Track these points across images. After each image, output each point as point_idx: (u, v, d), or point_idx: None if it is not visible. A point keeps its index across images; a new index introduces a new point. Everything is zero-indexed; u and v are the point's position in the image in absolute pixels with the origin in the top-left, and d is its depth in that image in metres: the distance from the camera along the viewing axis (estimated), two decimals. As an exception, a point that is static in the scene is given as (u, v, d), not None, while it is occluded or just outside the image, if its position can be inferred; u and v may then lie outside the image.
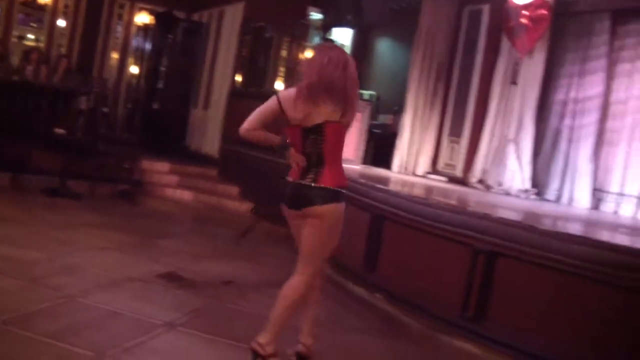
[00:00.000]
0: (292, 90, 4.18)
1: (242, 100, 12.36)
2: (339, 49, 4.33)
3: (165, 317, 4.96)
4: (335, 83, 4.05)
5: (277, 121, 4.24)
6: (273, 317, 4.21)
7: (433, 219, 5.84)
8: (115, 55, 14.83)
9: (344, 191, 4.19)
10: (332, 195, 4.12)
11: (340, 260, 6.94)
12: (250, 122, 4.31)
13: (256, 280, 6.70)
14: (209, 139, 12.97)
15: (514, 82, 9.92)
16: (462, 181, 10.28)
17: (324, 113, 4.06)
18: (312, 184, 4.12)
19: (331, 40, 12.71)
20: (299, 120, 4.13)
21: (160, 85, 14.03)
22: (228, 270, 6.89)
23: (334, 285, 6.79)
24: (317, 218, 4.12)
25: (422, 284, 5.73)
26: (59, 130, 10.21)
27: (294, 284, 4.26)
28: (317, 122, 4.08)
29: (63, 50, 13.95)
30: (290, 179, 4.27)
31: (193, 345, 4.57)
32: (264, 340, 4.17)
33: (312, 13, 13.43)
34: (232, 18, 12.98)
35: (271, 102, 4.24)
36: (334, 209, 4.13)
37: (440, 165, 10.83)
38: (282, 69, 14.04)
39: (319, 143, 4.12)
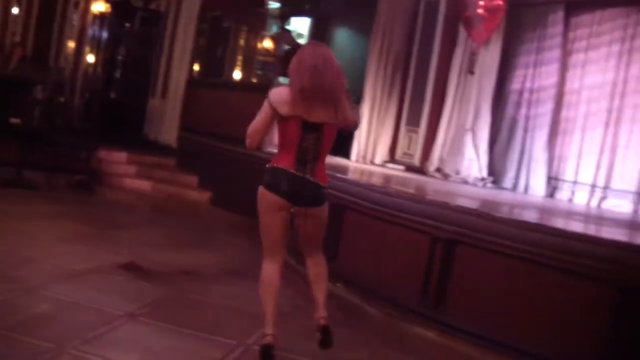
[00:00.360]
0: (284, 91, 4.20)
1: (200, 89, 12.34)
2: (325, 47, 4.32)
3: (126, 308, 4.93)
4: (327, 86, 4.10)
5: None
6: (324, 295, 4.52)
7: (392, 207, 5.89)
8: (71, 44, 14.60)
9: None
10: (326, 194, 4.40)
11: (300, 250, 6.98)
12: (252, 137, 4.41)
13: (216, 270, 6.70)
14: (167, 128, 12.88)
15: (471, 72, 10.04)
16: (420, 170, 10.37)
17: (322, 113, 4.16)
18: (320, 183, 4.30)
19: (289, 30, 12.73)
20: (299, 115, 4.16)
21: (118, 74, 13.91)
22: (188, 260, 6.87)
23: (294, 274, 6.81)
24: (319, 215, 4.43)
25: (382, 273, 5.78)
26: (15, 120, 10.06)
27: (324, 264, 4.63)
28: (316, 121, 4.17)
29: (17, 38, 13.70)
30: (284, 168, 4.27)
31: (154, 336, 4.54)
32: (327, 313, 4.43)
33: (270, 2, 13.40)
34: (190, 7, 12.88)
35: (265, 110, 4.26)
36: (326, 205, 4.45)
37: (399, 154, 10.90)
38: (240, 58, 14.01)
39: (319, 141, 4.22)
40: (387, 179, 8.41)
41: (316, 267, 4.61)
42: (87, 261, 6.13)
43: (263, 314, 4.36)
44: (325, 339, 4.41)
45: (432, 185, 8.44)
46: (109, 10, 14.05)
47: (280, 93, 4.22)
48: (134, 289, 5.52)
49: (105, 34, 14.27)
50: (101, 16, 14.31)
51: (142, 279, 5.87)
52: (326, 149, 4.30)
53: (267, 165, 4.40)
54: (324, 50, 4.22)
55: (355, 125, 4.55)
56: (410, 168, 10.47)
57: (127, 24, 13.84)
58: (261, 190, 4.42)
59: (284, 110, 4.18)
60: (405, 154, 10.79)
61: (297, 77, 4.15)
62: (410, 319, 5.50)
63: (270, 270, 4.50)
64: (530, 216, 6.44)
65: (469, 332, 5.18)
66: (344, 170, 8.20)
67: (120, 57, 14.04)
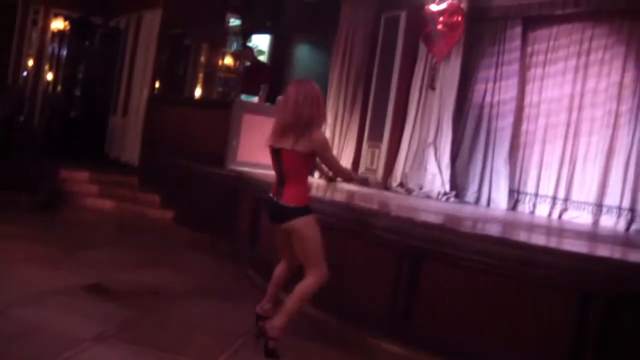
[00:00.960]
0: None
1: (162, 107, 12.29)
2: (304, 84, 5.05)
3: (93, 330, 4.87)
4: (287, 118, 4.92)
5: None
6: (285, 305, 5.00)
7: (359, 223, 5.92)
8: (30, 62, 14.45)
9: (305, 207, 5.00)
10: (297, 212, 4.95)
11: (268, 265, 6.98)
12: None
13: (182, 289, 6.65)
14: (128, 146, 12.80)
15: (432, 87, 10.17)
16: (384, 185, 10.44)
17: (283, 141, 4.94)
18: (281, 203, 4.98)
19: (250, 47, 12.74)
20: (271, 144, 5.06)
21: (78, 92, 13.76)
22: (153, 280, 6.82)
23: (261, 292, 6.80)
24: (295, 231, 4.99)
25: (350, 288, 5.79)
26: (-27, 140, 9.94)
27: (304, 281, 5.05)
28: (278, 147, 4.98)
29: (-26, 57, 13.53)
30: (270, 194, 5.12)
31: (122, 358, 4.50)
32: (279, 322, 4.92)
33: (231, 19, 13.41)
34: (150, 24, 12.85)
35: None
36: (302, 221, 4.96)
37: (362, 169, 10.96)
38: (201, 75, 13.97)
39: (280, 165, 5.02)
40: (350, 194, 8.44)
41: (302, 280, 5.07)
42: (52, 283, 6.05)
43: None
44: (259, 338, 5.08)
45: (396, 201, 8.49)
46: (68, 27, 13.95)
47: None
48: (100, 311, 5.45)
49: (64, 52, 14.15)
50: (60, 34, 14.19)
51: (109, 300, 5.81)
52: (291, 173, 4.97)
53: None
54: (300, 88, 4.99)
55: (341, 175, 5.52)
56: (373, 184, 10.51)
57: (87, 42, 13.72)
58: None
59: (267, 142, 5.10)
60: (368, 169, 10.84)
61: (276, 113, 5.10)
62: (378, 334, 5.53)
63: (278, 267, 5.46)
64: (494, 230, 6.52)
65: (436, 346, 5.23)
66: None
67: (80, 75, 13.90)
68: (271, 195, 5.08)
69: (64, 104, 13.71)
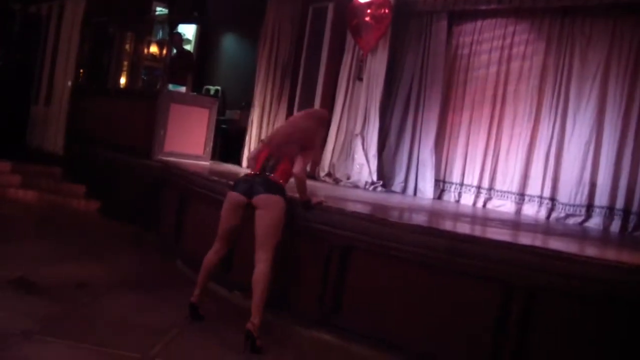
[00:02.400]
0: None
1: (87, 96, 12.07)
2: (307, 114, 6.03)
3: (20, 326, 4.76)
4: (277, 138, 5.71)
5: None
6: (254, 302, 5.06)
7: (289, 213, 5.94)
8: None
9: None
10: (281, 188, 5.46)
11: (197, 258, 6.95)
12: None
13: (109, 281, 6.55)
14: (51, 136, 12.49)
15: (359, 78, 10.25)
16: (311, 175, 10.47)
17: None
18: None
19: (179, 33, 12.59)
20: None
21: (-3, 80, 13.34)
22: (79, 273, 6.66)
23: (189, 283, 6.76)
24: (271, 204, 5.34)
25: (279, 280, 5.81)
26: None
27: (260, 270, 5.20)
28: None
29: None
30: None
31: (53, 355, 4.43)
32: (257, 321, 4.98)
33: (157, 8, 13.21)
34: (73, 12, 12.55)
35: None
36: (282, 199, 5.41)
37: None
38: (125, 64, 13.73)
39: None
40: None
41: (255, 272, 5.20)
42: (-26, 278, 5.86)
43: None
44: (247, 343, 4.93)
45: (324, 191, 8.53)
46: (-16, 14, 13.51)
47: None
48: (26, 306, 5.31)
49: (-19, 39, 13.70)
50: (-24, 20, 13.75)
51: (34, 295, 5.67)
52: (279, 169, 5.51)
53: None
54: (300, 114, 6.06)
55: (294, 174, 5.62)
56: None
57: (6, 28, 13.30)
58: None
59: None
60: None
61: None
62: (309, 325, 5.59)
63: (209, 255, 5.70)
64: (422, 219, 6.64)
65: (366, 335, 5.33)
66: (235, 177, 8.19)
67: (-1, 62, 13.49)
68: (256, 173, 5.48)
69: (-18, 92, 13.28)
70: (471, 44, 9.74)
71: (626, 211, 8.08)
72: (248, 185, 5.41)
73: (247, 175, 5.62)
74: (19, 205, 10.13)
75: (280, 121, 11.05)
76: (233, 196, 5.46)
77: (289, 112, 10.98)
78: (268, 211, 5.28)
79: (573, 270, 4.61)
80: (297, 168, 5.50)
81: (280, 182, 5.46)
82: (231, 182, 5.99)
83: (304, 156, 5.54)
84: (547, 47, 8.96)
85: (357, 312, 5.46)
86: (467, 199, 9.52)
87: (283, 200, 5.39)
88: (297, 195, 5.67)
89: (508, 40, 9.36)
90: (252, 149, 10.96)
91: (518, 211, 8.97)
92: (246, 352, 4.90)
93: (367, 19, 9.91)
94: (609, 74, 8.36)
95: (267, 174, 5.45)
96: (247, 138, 11.08)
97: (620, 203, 8.12)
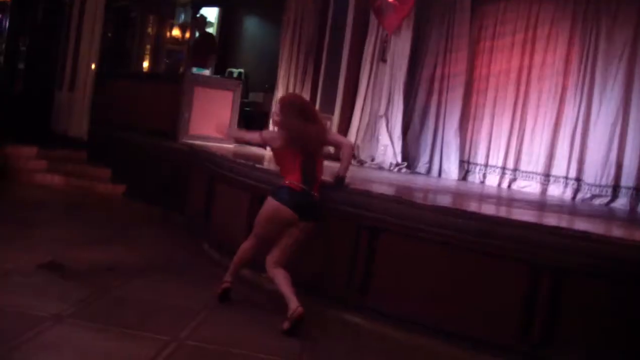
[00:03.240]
0: None
1: (110, 80, 12.13)
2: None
3: (52, 310, 4.81)
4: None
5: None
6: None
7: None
8: (-30, 35, 14.08)
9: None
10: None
11: (224, 242, 7.02)
12: None
13: (138, 264, 6.61)
14: (76, 121, 12.55)
15: (383, 60, 10.21)
16: (335, 157, 10.46)
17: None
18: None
19: (203, 16, 12.61)
20: None
21: (22, 66, 13.44)
22: (109, 256, 6.73)
23: (217, 266, 6.83)
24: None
25: (308, 261, 5.84)
26: None
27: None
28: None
29: None
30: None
31: (84, 337, 4.47)
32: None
33: (179, -10, 13.27)
34: (96, -4, 12.61)
35: None
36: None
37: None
38: (148, 47, 13.81)
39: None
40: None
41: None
42: (5, 262, 5.90)
43: None
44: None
45: (349, 172, 8.52)
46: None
47: None
48: (57, 289, 5.37)
49: (6, 24, 13.79)
50: (1, 6, 13.82)
51: (65, 278, 5.72)
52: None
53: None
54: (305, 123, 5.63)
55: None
56: (325, 156, 10.49)
57: (30, 14, 13.39)
58: None
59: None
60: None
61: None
62: (338, 307, 5.63)
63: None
64: (448, 201, 6.65)
65: (395, 316, 5.36)
66: (262, 160, 8.23)
67: (23, 48, 13.57)
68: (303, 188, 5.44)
69: (7, 78, 13.38)
70: (495, 24, 9.67)
71: (653, 192, 8.04)
72: (298, 203, 5.38)
73: (291, 188, 5.43)
74: (46, 189, 10.22)
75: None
76: (283, 211, 5.38)
77: (313, 95, 10.95)
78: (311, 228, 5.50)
79: (601, 251, 4.62)
80: (346, 141, 6.40)
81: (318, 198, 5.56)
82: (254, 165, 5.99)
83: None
84: (572, 27, 8.87)
85: (386, 293, 5.49)
86: (492, 180, 9.49)
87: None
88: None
89: (532, 20, 9.27)
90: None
91: (543, 192, 8.93)
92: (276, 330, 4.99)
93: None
94: (636, 54, 8.27)
95: (312, 192, 5.47)
96: (270, 121, 11.07)
97: (647, 183, 8.08)
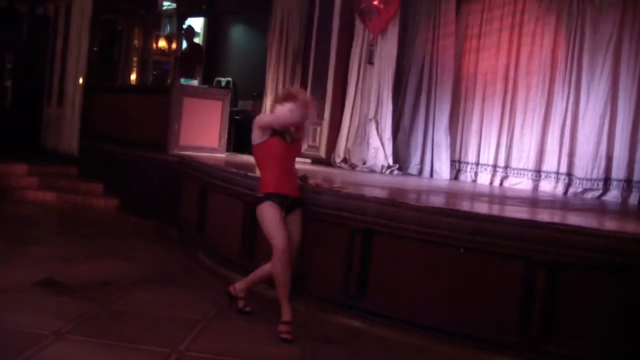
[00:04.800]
0: None
1: (99, 94, 12.13)
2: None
3: (51, 327, 4.80)
4: None
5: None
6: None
7: (309, 202, 5.97)
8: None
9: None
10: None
11: (218, 248, 7.03)
12: None
13: (134, 277, 6.61)
14: (65, 136, 12.57)
15: (370, 62, 10.24)
16: (327, 161, 10.50)
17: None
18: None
19: (190, 28, 12.61)
20: None
21: (9, 83, 13.41)
22: (104, 270, 6.75)
23: (213, 275, 6.84)
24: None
25: (305, 267, 5.85)
26: None
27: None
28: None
29: None
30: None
31: (85, 353, 4.46)
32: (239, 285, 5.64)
33: (164, 2, 13.23)
34: (81, 11, 12.58)
35: None
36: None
37: (304, 147, 10.92)
38: (135, 60, 13.77)
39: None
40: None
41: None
42: (1, 280, 5.91)
43: None
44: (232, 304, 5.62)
45: (341, 177, 8.55)
46: (-9, 17, 13.53)
47: None
48: (55, 306, 5.38)
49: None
50: (-17, 24, 13.76)
51: (62, 295, 5.73)
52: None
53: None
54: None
55: None
56: (317, 160, 10.55)
57: (14, 31, 13.34)
58: None
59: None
60: (310, 146, 10.80)
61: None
62: (335, 311, 5.63)
63: None
64: (441, 201, 6.66)
65: (393, 318, 5.36)
66: (252, 167, 8.23)
67: (9, 66, 13.53)
68: (286, 192, 5.44)
69: (-6, 96, 13.36)
70: (480, 22, 9.71)
71: (644, 183, 8.09)
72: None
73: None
74: (39, 206, 10.23)
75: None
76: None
77: (302, 100, 10.95)
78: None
79: (595, 244, 4.65)
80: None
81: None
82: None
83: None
84: (558, 21, 8.92)
85: (382, 295, 5.49)
86: (484, 179, 9.52)
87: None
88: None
89: (518, 16, 9.32)
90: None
91: (535, 188, 8.97)
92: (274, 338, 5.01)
93: (375, 2, 9.89)
94: (622, 45, 8.33)
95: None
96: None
97: (637, 175, 8.12)
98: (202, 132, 10.27)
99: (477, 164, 9.65)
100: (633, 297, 4.60)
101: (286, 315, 5.17)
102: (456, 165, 9.88)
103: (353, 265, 5.63)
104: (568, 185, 8.69)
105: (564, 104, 8.74)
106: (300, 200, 5.64)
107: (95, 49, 12.66)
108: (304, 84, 10.93)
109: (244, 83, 13.34)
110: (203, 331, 5.15)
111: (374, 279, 5.57)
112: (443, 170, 9.77)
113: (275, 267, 5.24)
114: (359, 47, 10.42)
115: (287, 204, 5.41)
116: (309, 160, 10.59)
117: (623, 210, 7.49)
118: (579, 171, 8.56)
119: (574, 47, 8.71)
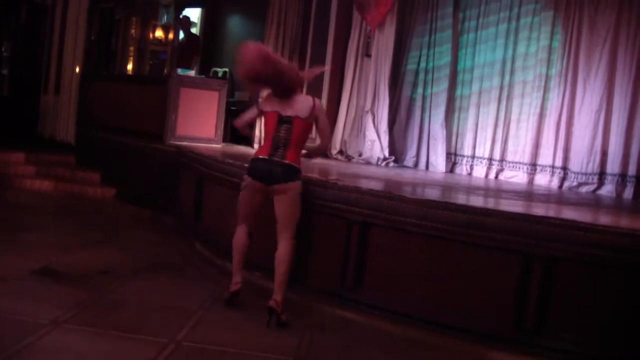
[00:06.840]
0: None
1: (96, 83, 12.12)
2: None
3: (49, 315, 4.82)
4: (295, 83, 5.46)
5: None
6: (277, 280, 5.20)
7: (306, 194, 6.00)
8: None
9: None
10: (299, 173, 5.41)
11: (215, 238, 7.05)
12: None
13: (132, 266, 6.62)
14: (63, 125, 12.58)
15: (367, 54, 10.26)
16: (323, 153, 10.50)
17: (287, 108, 5.34)
18: (286, 162, 5.30)
19: (186, 18, 12.61)
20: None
21: (5, 71, 13.43)
22: (102, 259, 6.76)
23: (210, 265, 6.87)
24: (290, 191, 5.32)
25: (302, 258, 5.89)
26: None
27: (284, 250, 5.30)
28: (288, 115, 5.33)
29: None
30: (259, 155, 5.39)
31: (83, 341, 4.49)
32: (280, 297, 5.13)
33: (162, -9, 13.25)
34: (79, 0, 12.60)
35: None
36: (299, 184, 5.39)
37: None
38: (132, 49, 13.77)
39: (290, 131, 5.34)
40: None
41: (279, 251, 5.32)
42: (-1, 269, 5.95)
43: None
44: (270, 320, 5.08)
45: (338, 169, 8.59)
46: (-10, 5, 13.57)
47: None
48: (53, 295, 5.39)
49: (-12, 30, 13.78)
50: (-19, 13, 13.80)
51: (60, 283, 5.75)
52: (298, 139, 5.42)
53: None
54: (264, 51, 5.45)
55: (325, 143, 6.12)
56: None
57: (12, 19, 13.36)
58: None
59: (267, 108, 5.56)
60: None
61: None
62: (331, 302, 5.67)
63: (238, 236, 5.56)
64: (437, 194, 6.70)
65: (389, 310, 5.41)
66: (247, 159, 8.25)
67: (6, 54, 13.55)
68: (266, 157, 5.33)
69: (-8, 84, 13.39)
70: (478, 15, 9.75)
71: (638, 178, 8.15)
72: (259, 170, 5.43)
73: (254, 157, 5.58)
74: (36, 195, 10.23)
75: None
76: (246, 180, 5.53)
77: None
78: (292, 196, 5.37)
79: (590, 239, 4.70)
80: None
81: (298, 166, 5.49)
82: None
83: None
84: (555, 15, 8.97)
85: (379, 287, 5.54)
86: (479, 172, 9.58)
87: (301, 183, 5.45)
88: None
89: (515, 10, 9.37)
90: (262, 129, 11.01)
91: (530, 181, 9.04)
92: (271, 328, 5.06)
93: (373, -6, 9.92)
94: (619, 40, 8.39)
95: (278, 158, 5.37)
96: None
97: (632, 170, 8.19)
98: (199, 123, 10.26)
99: (473, 157, 9.71)
100: (628, 291, 4.66)
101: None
102: (452, 158, 9.94)
103: (350, 257, 5.68)
104: (563, 179, 8.75)
105: (560, 98, 8.80)
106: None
107: (92, 37, 12.66)
108: (301, 75, 10.94)
109: (241, 74, 13.32)
110: (200, 321, 5.18)
111: (370, 271, 5.62)
112: (439, 162, 9.82)
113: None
114: (356, 39, 10.44)
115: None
116: (304, 151, 10.57)
117: (617, 204, 7.55)
118: (574, 165, 8.62)
119: (570, 42, 8.76)
